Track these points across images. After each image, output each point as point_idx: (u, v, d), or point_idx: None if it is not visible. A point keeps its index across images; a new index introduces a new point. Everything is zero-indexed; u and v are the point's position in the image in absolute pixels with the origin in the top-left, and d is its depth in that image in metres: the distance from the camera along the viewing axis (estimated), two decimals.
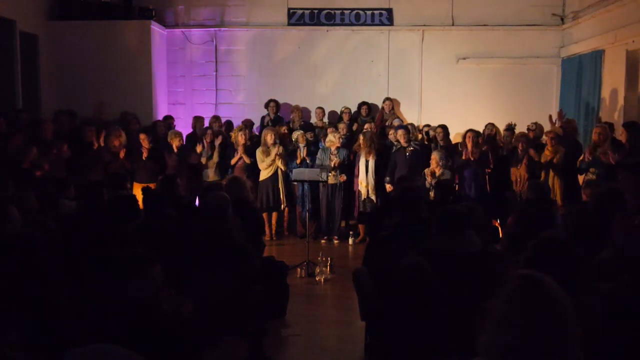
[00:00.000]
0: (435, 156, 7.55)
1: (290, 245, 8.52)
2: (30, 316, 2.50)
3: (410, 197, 4.61)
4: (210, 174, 8.58)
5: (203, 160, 8.56)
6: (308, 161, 8.61)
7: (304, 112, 9.91)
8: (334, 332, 5.43)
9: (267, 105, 9.69)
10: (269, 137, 8.46)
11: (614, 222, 3.70)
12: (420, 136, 9.03)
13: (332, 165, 8.41)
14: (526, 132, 8.23)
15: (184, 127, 9.64)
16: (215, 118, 9.38)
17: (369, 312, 4.29)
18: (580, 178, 7.18)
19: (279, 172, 8.53)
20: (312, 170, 7.95)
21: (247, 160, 8.50)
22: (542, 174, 7.28)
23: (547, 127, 8.23)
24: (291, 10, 10.24)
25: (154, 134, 8.51)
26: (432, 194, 6.77)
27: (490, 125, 8.72)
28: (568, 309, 1.91)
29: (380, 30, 10.26)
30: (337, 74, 10.35)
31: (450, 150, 8.18)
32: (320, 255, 6.89)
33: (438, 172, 7.43)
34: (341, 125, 9.15)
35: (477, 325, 2.02)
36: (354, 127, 9.46)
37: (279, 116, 9.69)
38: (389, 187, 8.13)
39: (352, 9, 10.22)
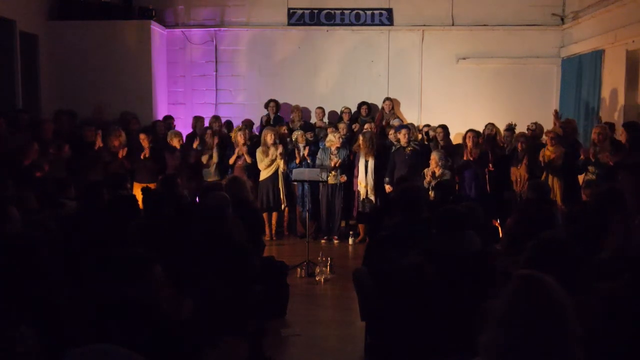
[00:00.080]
0: (434, 156, 7.55)
1: (290, 245, 8.52)
2: (30, 316, 2.50)
3: (410, 197, 4.61)
4: (210, 174, 8.59)
5: (204, 160, 8.57)
6: (309, 161, 8.61)
7: (304, 112, 9.91)
8: (334, 332, 5.43)
9: (267, 105, 9.69)
10: (269, 137, 8.46)
11: (614, 222, 3.71)
12: (420, 136, 9.02)
13: (333, 165, 8.41)
14: (526, 132, 8.23)
15: (184, 127, 9.64)
16: (215, 118, 9.38)
17: (369, 312, 4.29)
18: (580, 178, 7.18)
19: (279, 172, 8.53)
20: (312, 170, 7.95)
21: (249, 160, 8.50)
22: (542, 174, 7.28)
23: (547, 126, 8.23)
24: (291, 10, 10.24)
25: (154, 134, 8.51)
26: (432, 194, 6.76)
27: (490, 125, 8.72)
28: (568, 309, 1.91)
29: (380, 30, 10.26)
30: (337, 74, 10.35)
31: (451, 150, 8.17)
32: (320, 255, 6.89)
33: (438, 172, 7.43)
34: (341, 125, 9.15)
35: (477, 325, 2.02)
36: (355, 128, 9.46)
37: (279, 116, 9.69)
38: (388, 188, 8.13)
39: (352, 9, 10.22)
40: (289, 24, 10.26)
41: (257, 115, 9.88)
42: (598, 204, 4.21)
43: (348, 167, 8.61)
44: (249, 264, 4.26)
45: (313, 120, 9.89)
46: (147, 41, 9.44)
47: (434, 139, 8.66)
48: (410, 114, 10.22)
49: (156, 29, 9.70)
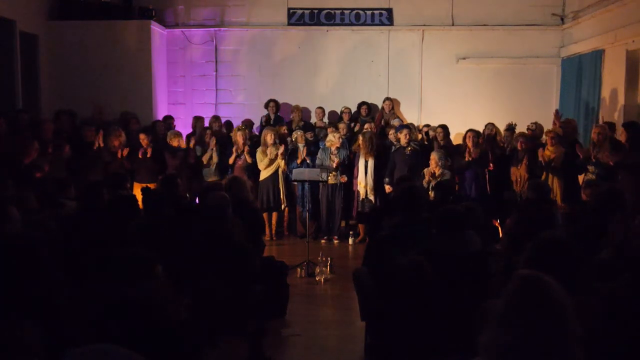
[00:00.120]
0: (434, 156, 7.53)
1: (290, 245, 8.52)
2: (31, 316, 2.49)
3: (410, 197, 4.61)
4: (210, 174, 8.59)
5: (204, 160, 8.57)
6: (308, 161, 8.61)
7: (304, 112, 9.91)
8: (334, 332, 5.43)
9: (267, 105, 9.70)
10: (269, 137, 8.46)
11: (614, 222, 3.71)
12: (420, 136, 9.02)
13: (333, 166, 8.40)
14: (526, 132, 8.23)
15: (184, 127, 9.64)
16: (215, 118, 9.39)
17: (369, 312, 4.29)
18: (580, 178, 7.18)
19: (279, 172, 8.53)
20: (312, 170, 7.95)
21: (249, 160, 8.50)
22: (542, 174, 7.28)
23: (547, 126, 8.23)
24: (291, 10, 10.24)
25: (154, 134, 8.52)
26: (431, 194, 6.76)
27: (490, 125, 8.72)
28: (568, 309, 1.91)
29: (380, 30, 10.26)
30: (337, 74, 10.35)
31: (451, 151, 8.17)
32: (320, 255, 6.88)
33: (437, 172, 7.42)
34: (341, 125, 9.15)
35: (477, 325, 2.02)
36: (355, 128, 9.46)
37: (279, 116, 9.69)
38: (388, 188, 8.12)
39: (352, 9, 10.22)
40: (289, 24, 10.26)
41: (257, 115, 9.88)
42: (598, 204, 4.22)
43: (348, 167, 8.61)
44: (249, 264, 4.26)
45: (313, 120, 9.89)
46: (147, 41, 9.44)
47: (434, 139, 8.65)
48: (410, 114, 10.22)
49: (156, 29, 9.70)
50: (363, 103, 9.85)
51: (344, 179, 8.52)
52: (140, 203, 4.88)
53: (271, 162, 8.47)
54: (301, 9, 10.22)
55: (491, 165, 7.71)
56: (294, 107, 9.71)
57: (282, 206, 8.68)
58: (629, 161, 6.24)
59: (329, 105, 10.02)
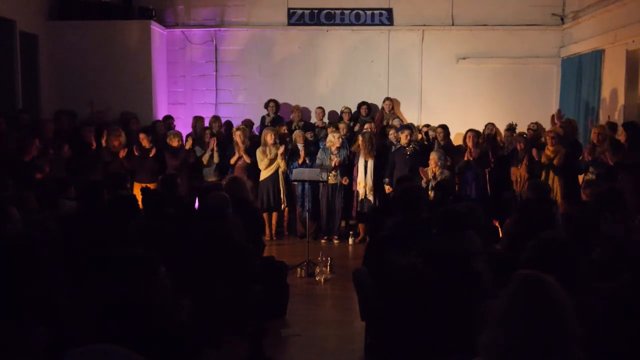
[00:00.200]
0: (433, 156, 7.52)
1: (290, 245, 8.52)
2: (31, 316, 2.50)
3: (410, 197, 4.61)
4: (210, 174, 8.59)
5: (204, 160, 8.57)
6: (307, 161, 8.60)
7: (304, 112, 9.91)
8: (334, 332, 5.43)
9: (267, 105, 9.69)
10: (269, 137, 8.46)
11: (608, 222, 3.71)
12: (420, 136, 9.02)
13: (333, 165, 8.40)
14: (526, 132, 8.23)
15: (184, 127, 9.64)
16: (215, 118, 9.38)
17: (369, 312, 4.29)
18: (580, 178, 7.18)
19: (279, 172, 8.53)
20: (312, 170, 7.94)
21: (248, 160, 8.50)
22: (542, 174, 7.28)
23: (547, 126, 8.23)
24: (291, 10, 10.24)
25: (154, 134, 8.52)
26: (431, 194, 6.76)
27: (491, 125, 8.72)
28: (568, 309, 1.91)
29: (380, 30, 10.26)
30: (337, 74, 10.35)
31: (450, 151, 8.17)
32: (320, 255, 6.88)
33: (437, 172, 7.41)
34: (341, 125, 9.15)
35: (477, 325, 2.02)
36: (355, 128, 9.46)
37: (279, 116, 9.69)
38: (388, 188, 8.12)
39: (352, 9, 10.22)
40: (289, 24, 10.26)
41: (257, 115, 9.88)
42: (598, 204, 4.22)
43: (348, 168, 8.60)
44: (249, 264, 4.26)
45: (313, 120, 9.89)
46: (147, 41, 9.44)
47: (435, 139, 8.65)
48: (410, 114, 10.22)
49: (156, 29, 9.70)
50: (363, 103, 9.85)
51: (346, 181, 8.52)
52: (140, 203, 4.88)
53: (271, 162, 8.47)
54: (301, 9, 10.22)
55: (491, 165, 7.71)
56: (294, 107, 9.72)
57: (282, 206, 8.68)
58: (629, 161, 6.24)
59: (329, 105, 10.02)
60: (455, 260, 3.54)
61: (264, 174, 8.51)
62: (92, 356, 1.84)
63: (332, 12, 10.23)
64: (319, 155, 8.60)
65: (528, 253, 2.75)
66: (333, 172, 8.39)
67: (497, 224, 6.84)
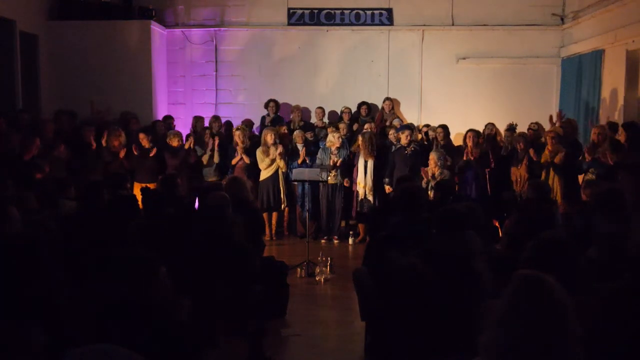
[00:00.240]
0: (433, 156, 7.53)
1: (290, 245, 8.52)
2: (31, 316, 2.49)
3: (410, 197, 4.61)
4: (210, 174, 8.59)
5: (204, 160, 8.57)
6: (307, 161, 8.61)
7: (304, 112, 9.91)
8: (334, 332, 5.44)
9: (267, 105, 9.69)
10: (269, 137, 8.46)
11: (604, 222, 3.71)
12: (420, 136, 9.02)
13: (332, 164, 8.40)
14: (526, 132, 8.23)
15: (184, 127, 9.64)
16: (215, 118, 9.38)
17: (369, 312, 4.29)
18: (580, 178, 7.18)
19: (279, 172, 8.53)
20: (312, 170, 7.94)
21: (247, 160, 8.50)
22: (542, 174, 7.28)
23: (547, 127, 8.23)
24: (291, 10, 10.24)
25: (154, 134, 8.52)
26: (431, 194, 6.76)
27: (491, 125, 8.72)
28: (568, 309, 1.91)
29: (380, 30, 10.26)
30: (337, 74, 10.35)
31: (450, 151, 8.17)
32: (320, 255, 6.88)
33: (437, 172, 7.41)
34: (342, 125, 9.15)
35: (477, 325, 2.02)
36: (355, 127, 9.46)
37: (279, 116, 9.69)
38: (387, 189, 8.12)
39: (352, 9, 10.21)
40: (289, 24, 10.26)
41: (257, 115, 9.88)
42: (598, 204, 4.21)
43: (348, 168, 8.60)
44: (249, 264, 4.26)
45: (313, 120, 9.89)
46: (147, 41, 9.44)
47: (435, 139, 8.65)
48: (410, 114, 10.22)
49: (156, 29, 9.70)
50: (363, 103, 9.85)
51: (348, 182, 8.52)
52: (140, 203, 4.88)
53: (272, 162, 8.47)
54: (301, 9, 10.22)
55: (491, 165, 7.71)
56: (294, 107, 9.71)
57: (282, 206, 8.68)
58: (629, 161, 6.23)
59: (329, 105, 10.02)
60: (455, 260, 3.54)
61: (264, 174, 8.51)
62: (92, 356, 1.84)
63: (332, 12, 10.23)
64: (319, 155, 8.60)
65: (528, 253, 2.76)
66: (333, 172, 8.39)
67: (497, 224, 6.85)
